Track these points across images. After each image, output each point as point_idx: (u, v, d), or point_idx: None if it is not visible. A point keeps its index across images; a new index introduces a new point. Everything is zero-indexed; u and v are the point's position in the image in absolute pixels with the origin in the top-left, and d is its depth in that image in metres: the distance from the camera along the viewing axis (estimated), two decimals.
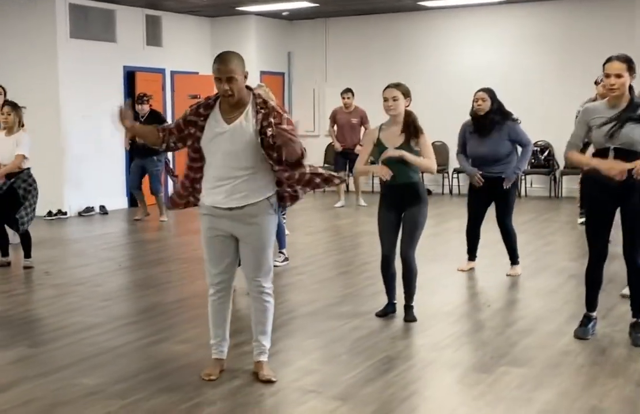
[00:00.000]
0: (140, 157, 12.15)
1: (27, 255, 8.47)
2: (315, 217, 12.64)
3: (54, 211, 12.55)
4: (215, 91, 4.59)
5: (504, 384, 4.76)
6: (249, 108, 4.54)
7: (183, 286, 7.81)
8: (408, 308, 6.26)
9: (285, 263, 8.38)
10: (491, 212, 7.83)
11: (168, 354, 5.45)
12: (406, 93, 6.14)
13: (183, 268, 8.71)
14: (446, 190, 15.17)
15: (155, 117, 12.16)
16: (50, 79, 12.68)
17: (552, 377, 4.87)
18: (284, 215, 8.34)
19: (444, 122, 12.92)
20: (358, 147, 13.43)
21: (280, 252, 8.34)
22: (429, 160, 6.12)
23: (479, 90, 7.69)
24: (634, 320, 5.65)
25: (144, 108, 12.08)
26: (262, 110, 4.50)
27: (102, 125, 13.40)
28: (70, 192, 13.02)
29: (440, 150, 14.41)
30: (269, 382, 4.75)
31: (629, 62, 5.34)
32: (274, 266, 8.21)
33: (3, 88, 10.06)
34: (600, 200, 5.52)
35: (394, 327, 6.15)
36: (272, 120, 4.46)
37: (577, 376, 4.91)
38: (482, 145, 7.58)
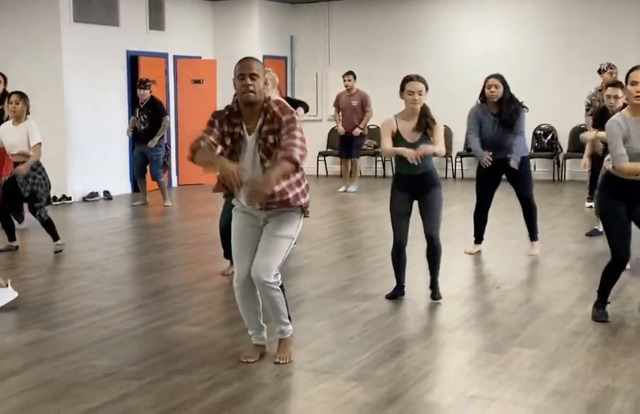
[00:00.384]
0: (141, 144, 12.14)
1: (55, 238, 8.47)
2: (319, 202, 12.65)
3: (59, 197, 12.56)
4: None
5: (516, 364, 4.79)
6: (261, 118, 4.56)
7: (191, 270, 7.84)
8: (435, 285, 6.27)
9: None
10: (501, 195, 7.83)
11: (181, 336, 5.48)
12: (427, 87, 6.13)
13: (190, 252, 8.74)
14: (450, 175, 15.20)
15: (155, 106, 12.13)
16: (53, 64, 12.66)
17: (564, 357, 4.90)
18: None
19: (447, 107, 12.86)
20: (356, 130, 13.47)
21: None
22: (440, 146, 6.12)
23: (490, 77, 7.65)
24: None
25: (145, 94, 12.06)
26: (268, 118, 4.53)
27: (106, 110, 13.45)
28: (75, 177, 13.02)
29: (445, 134, 14.33)
30: (277, 364, 4.80)
31: None
32: None
33: (3, 75, 10.05)
34: (619, 205, 5.50)
35: (405, 309, 6.18)
36: (275, 126, 4.51)
37: (589, 356, 4.94)
38: (497, 131, 7.57)
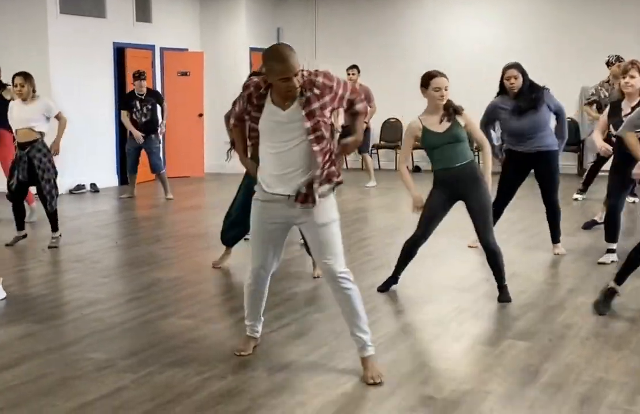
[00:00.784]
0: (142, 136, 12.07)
1: (55, 229, 8.44)
2: None
3: None
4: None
5: (510, 357, 4.81)
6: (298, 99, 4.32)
7: (181, 262, 7.82)
8: (502, 288, 6.13)
9: None
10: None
11: (174, 329, 5.47)
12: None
13: (179, 244, 8.72)
14: None
15: (156, 96, 12.11)
16: (40, 55, 12.55)
17: (557, 350, 4.93)
18: None
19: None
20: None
21: None
22: (485, 147, 6.11)
23: (508, 67, 7.39)
24: None
25: (144, 85, 12.00)
26: (314, 88, 4.28)
27: (92, 102, 13.38)
28: (61, 169, 12.88)
29: None
30: (374, 385, 4.38)
31: None
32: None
33: None
34: None
35: (398, 301, 6.20)
36: (327, 99, 4.30)
37: (582, 348, 4.96)
38: (521, 121, 7.28)
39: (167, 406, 4.14)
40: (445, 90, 5.90)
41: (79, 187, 13.03)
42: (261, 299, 4.87)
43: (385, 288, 6.38)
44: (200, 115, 15.44)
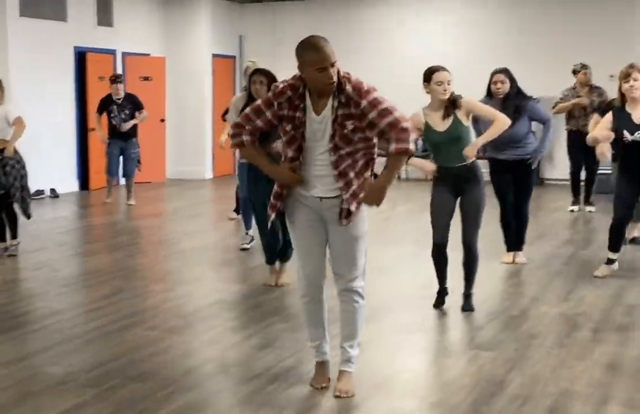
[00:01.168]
0: (122, 139, 11.88)
1: (15, 235, 8.27)
2: None
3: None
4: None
5: (475, 368, 4.81)
6: (333, 99, 4.12)
7: (144, 271, 7.74)
8: (468, 296, 6.11)
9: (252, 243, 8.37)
10: None
11: (137, 341, 5.38)
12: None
13: (142, 252, 8.63)
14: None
15: (133, 99, 11.96)
16: None
17: (522, 360, 4.94)
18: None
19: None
20: None
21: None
22: (496, 120, 6.10)
23: (496, 71, 7.41)
24: None
25: (120, 90, 11.82)
26: (342, 101, 4.08)
27: (53, 107, 13.19)
28: None
29: None
30: (340, 397, 4.31)
31: None
32: (243, 249, 8.28)
33: None
34: None
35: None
36: (352, 111, 4.06)
37: (547, 358, 4.98)
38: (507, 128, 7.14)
39: None
40: (448, 84, 5.86)
41: (39, 193, 12.82)
42: (325, 312, 4.48)
43: (440, 302, 6.18)
44: (162, 120, 15.32)
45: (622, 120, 6.83)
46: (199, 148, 16.23)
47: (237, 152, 8.15)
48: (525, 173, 7.48)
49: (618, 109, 6.95)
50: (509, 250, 7.78)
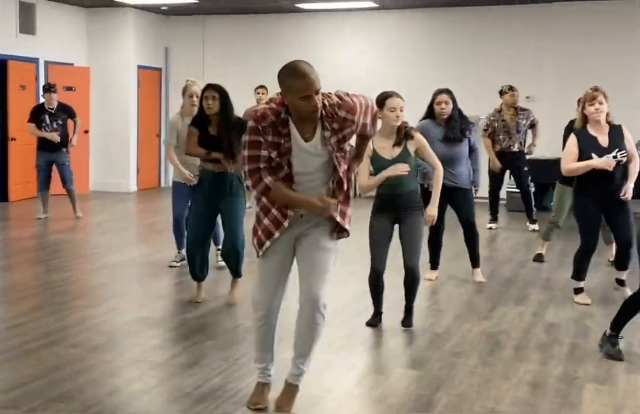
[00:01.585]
0: (50, 151, 11.52)
1: None
2: None
3: None
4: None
5: (402, 386, 4.84)
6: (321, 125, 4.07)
7: (66, 286, 7.55)
8: (409, 311, 6.17)
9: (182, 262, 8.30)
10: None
11: (59, 360, 5.24)
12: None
13: (64, 266, 8.42)
14: None
15: (67, 110, 11.66)
16: None
17: (448, 379, 5.00)
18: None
19: None
20: None
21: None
22: (437, 170, 6.07)
23: (440, 91, 7.41)
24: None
25: (53, 99, 11.49)
26: (327, 125, 4.05)
27: None
28: None
29: None
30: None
31: None
32: (171, 266, 8.18)
33: None
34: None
35: (288, 327, 6.13)
36: (347, 130, 4.08)
37: (472, 377, 5.05)
38: (449, 149, 7.28)
39: None
40: (401, 111, 5.87)
41: None
42: (274, 335, 4.43)
43: (374, 324, 6.18)
44: (86, 131, 15.05)
45: (587, 144, 6.71)
46: (123, 161, 16.01)
47: (172, 169, 8.11)
48: (464, 199, 7.54)
49: (581, 132, 6.81)
50: (432, 268, 7.88)
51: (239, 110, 7.66)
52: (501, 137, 11.11)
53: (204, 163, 6.71)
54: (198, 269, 6.78)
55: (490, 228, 11.34)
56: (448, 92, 7.40)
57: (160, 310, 6.68)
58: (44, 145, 11.59)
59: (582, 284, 7.13)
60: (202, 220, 6.67)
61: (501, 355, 5.55)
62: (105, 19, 15.66)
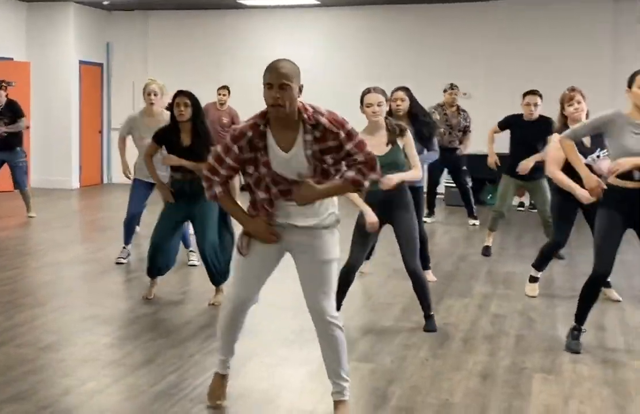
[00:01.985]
0: (3, 150, 11.22)
1: None
2: None
3: None
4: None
5: (357, 379, 4.87)
6: (304, 134, 3.96)
7: (13, 284, 7.43)
8: (429, 318, 6.09)
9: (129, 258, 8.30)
10: None
11: (9, 359, 5.18)
12: (387, 98, 5.92)
13: (9, 264, 8.29)
14: None
15: (15, 108, 11.33)
16: None
17: (400, 371, 5.08)
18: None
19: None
20: None
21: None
22: (415, 169, 5.95)
23: (396, 89, 7.29)
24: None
25: (1, 97, 11.18)
26: (317, 135, 3.94)
27: None
28: None
29: None
30: None
31: None
32: (118, 262, 8.13)
33: None
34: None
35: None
36: (330, 143, 3.94)
37: (423, 369, 5.14)
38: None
39: None
40: (379, 106, 5.80)
41: None
42: (239, 332, 4.41)
43: None
44: (27, 127, 14.76)
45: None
46: (65, 157, 15.80)
47: (117, 165, 8.09)
48: (415, 197, 7.49)
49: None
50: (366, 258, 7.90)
51: None
52: (442, 130, 11.29)
53: (173, 172, 6.65)
54: (155, 270, 6.76)
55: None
56: (405, 89, 7.33)
57: (109, 307, 6.64)
58: None
59: (539, 274, 7.30)
60: (169, 224, 6.61)
61: (450, 347, 5.66)
62: (46, 14, 15.42)
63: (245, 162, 4.01)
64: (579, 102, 6.78)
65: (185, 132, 6.51)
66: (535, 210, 12.76)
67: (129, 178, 7.96)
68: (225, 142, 4.02)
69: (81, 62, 15.77)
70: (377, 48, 15.27)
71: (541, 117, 8.67)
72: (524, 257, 9.06)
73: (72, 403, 4.46)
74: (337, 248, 4.16)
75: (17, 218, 11.56)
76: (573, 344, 5.60)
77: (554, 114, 8.54)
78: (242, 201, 4.27)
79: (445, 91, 11.55)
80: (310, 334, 5.79)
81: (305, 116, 3.91)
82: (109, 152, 16.80)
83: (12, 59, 14.88)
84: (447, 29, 14.93)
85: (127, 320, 6.24)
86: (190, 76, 14.69)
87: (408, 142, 5.94)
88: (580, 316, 5.65)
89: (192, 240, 7.57)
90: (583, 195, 6.16)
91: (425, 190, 7.78)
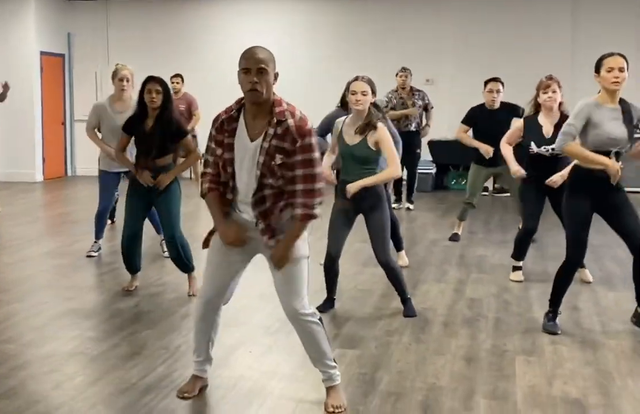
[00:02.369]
0: None
1: None
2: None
3: None
4: None
5: (343, 366, 4.91)
6: (270, 127, 3.95)
7: None
8: (406, 301, 6.20)
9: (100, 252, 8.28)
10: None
11: None
12: (374, 90, 5.84)
13: None
14: None
15: None
16: None
17: (385, 357, 5.17)
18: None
19: (223, 107, 13.02)
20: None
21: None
22: (390, 169, 5.82)
23: (356, 79, 7.04)
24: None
25: None
26: (279, 132, 3.93)
27: None
28: None
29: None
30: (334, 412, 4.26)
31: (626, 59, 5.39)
32: (89, 256, 8.11)
33: None
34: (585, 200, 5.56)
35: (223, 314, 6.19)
36: (286, 145, 3.92)
37: (408, 354, 5.23)
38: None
39: None
40: (363, 95, 5.74)
41: None
42: (211, 331, 4.42)
43: (325, 309, 6.18)
44: None
45: (532, 131, 6.97)
46: (28, 150, 15.63)
47: (80, 157, 8.02)
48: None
49: (530, 119, 7.05)
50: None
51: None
52: (399, 113, 11.43)
53: (136, 158, 6.62)
54: (133, 264, 6.77)
55: (393, 208, 11.59)
56: (368, 80, 7.23)
57: (90, 301, 6.62)
58: None
59: (520, 263, 7.44)
60: (135, 216, 6.60)
61: (432, 332, 5.76)
62: (5, 4, 15.21)
63: (219, 145, 4.06)
64: (554, 91, 6.91)
65: (151, 117, 6.47)
66: (501, 195, 13.10)
67: (114, 158, 7.78)
68: (210, 133, 4.12)
69: (42, 53, 15.58)
70: (343, 39, 15.34)
71: (504, 103, 8.79)
72: (493, 241, 9.25)
73: (63, 397, 4.45)
74: (305, 245, 4.14)
75: None
76: (549, 325, 5.74)
77: (517, 101, 8.75)
78: None
79: (396, 75, 11.70)
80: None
81: (277, 110, 3.93)
82: (72, 144, 16.64)
83: None
84: (411, 16, 15.08)
85: (109, 313, 6.23)
86: (151, 66, 14.57)
87: (380, 137, 5.80)
88: (556, 300, 5.80)
89: None
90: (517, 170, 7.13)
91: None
